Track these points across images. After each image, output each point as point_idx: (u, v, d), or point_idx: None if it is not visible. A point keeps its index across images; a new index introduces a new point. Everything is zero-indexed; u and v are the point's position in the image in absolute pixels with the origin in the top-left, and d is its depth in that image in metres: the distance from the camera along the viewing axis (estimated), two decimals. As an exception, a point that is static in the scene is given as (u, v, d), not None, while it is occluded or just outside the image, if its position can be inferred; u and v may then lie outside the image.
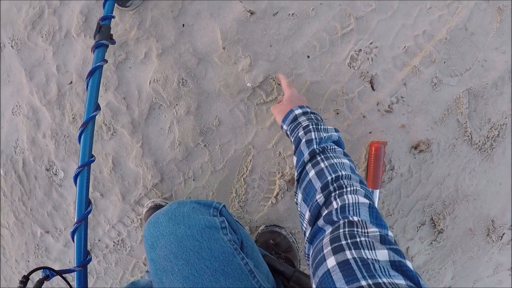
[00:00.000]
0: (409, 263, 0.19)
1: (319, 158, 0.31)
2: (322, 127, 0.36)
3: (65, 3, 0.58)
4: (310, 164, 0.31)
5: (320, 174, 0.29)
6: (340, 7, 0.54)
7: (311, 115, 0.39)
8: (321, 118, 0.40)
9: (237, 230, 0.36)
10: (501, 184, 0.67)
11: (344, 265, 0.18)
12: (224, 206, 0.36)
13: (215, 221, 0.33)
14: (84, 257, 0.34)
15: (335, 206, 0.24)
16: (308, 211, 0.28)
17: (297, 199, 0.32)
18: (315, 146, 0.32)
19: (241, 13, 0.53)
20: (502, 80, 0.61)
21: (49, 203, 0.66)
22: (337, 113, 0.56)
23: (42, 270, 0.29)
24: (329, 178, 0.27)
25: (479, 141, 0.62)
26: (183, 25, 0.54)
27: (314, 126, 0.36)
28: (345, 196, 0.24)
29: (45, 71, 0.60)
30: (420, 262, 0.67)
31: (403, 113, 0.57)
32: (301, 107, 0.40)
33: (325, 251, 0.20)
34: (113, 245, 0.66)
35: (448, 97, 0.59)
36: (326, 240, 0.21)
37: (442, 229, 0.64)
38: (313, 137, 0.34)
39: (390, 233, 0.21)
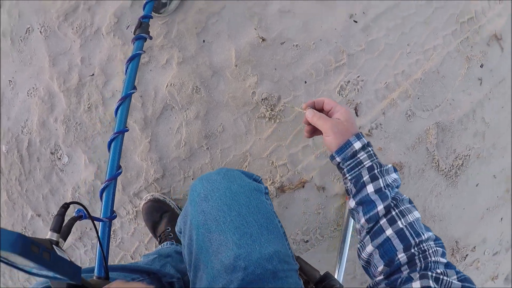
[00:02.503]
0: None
1: (394, 213, 0.33)
2: (384, 168, 0.36)
3: (100, 3, 0.70)
4: (385, 219, 0.33)
5: (401, 235, 0.32)
6: (336, 44, 0.71)
7: (369, 148, 0.37)
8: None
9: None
10: (464, 209, 0.83)
11: (425, 287, 0.27)
12: (261, 179, 0.44)
13: (261, 186, 0.41)
14: (110, 213, 0.41)
15: (419, 265, 0.30)
16: (384, 265, 0.32)
17: (364, 250, 0.34)
18: (389, 199, 0.33)
19: (255, 38, 0.68)
20: (467, 118, 0.79)
21: (46, 186, 0.74)
22: (326, 132, 0.71)
23: (77, 210, 0.33)
24: (412, 242, 0.31)
25: (445, 168, 0.79)
26: (204, 41, 0.68)
27: (379, 170, 0.35)
28: (428, 259, 0.30)
29: (69, 61, 0.71)
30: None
31: (381, 138, 0.73)
32: (358, 136, 0.37)
33: (413, 279, 0.28)
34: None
35: (420, 128, 0.75)
36: (415, 277, 0.28)
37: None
38: (382, 185, 0.34)
39: (463, 275, 0.29)
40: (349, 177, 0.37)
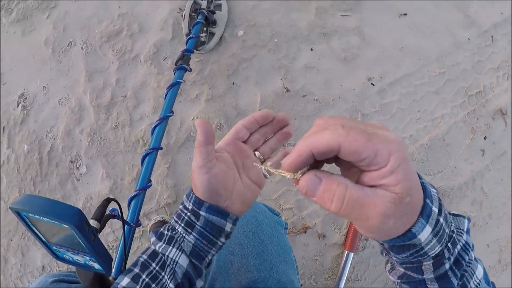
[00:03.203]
0: None
1: None
2: (458, 237, 0.22)
3: (143, 32, 0.79)
4: None
5: None
6: (352, 103, 0.79)
7: (440, 220, 0.20)
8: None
9: None
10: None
11: None
12: (281, 215, 0.48)
13: (281, 221, 0.45)
14: (136, 221, 0.44)
15: None
16: None
17: None
18: (454, 286, 0.21)
19: (280, 88, 0.76)
20: (466, 186, 0.86)
21: (60, 192, 0.79)
22: (333, 183, 0.77)
23: (112, 209, 0.34)
24: None
25: (441, 234, 0.84)
26: (233, 83, 0.76)
27: (450, 253, 0.21)
28: None
29: (105, 79, 0.79)
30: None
31: (384, 197, 0.79)
32: (427, 214, 0.19)
33: None
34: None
35: (421, 193, 0.81)
36: None
37: (398, 303, 0.82)
38: (447, 268, 0.21)
39: None
40: (400, 263, 0.23)
